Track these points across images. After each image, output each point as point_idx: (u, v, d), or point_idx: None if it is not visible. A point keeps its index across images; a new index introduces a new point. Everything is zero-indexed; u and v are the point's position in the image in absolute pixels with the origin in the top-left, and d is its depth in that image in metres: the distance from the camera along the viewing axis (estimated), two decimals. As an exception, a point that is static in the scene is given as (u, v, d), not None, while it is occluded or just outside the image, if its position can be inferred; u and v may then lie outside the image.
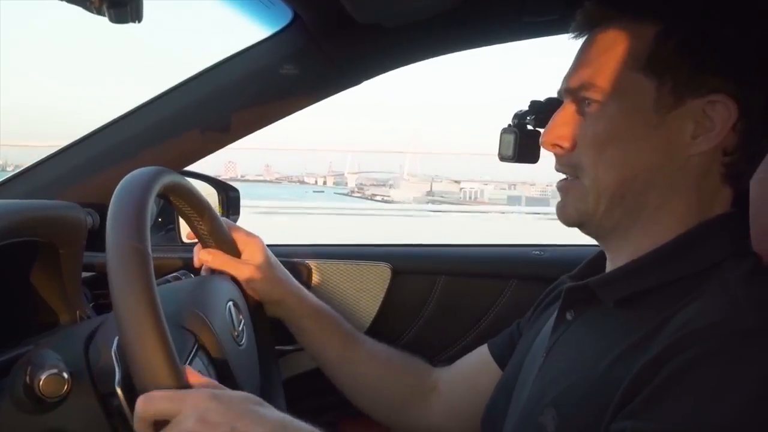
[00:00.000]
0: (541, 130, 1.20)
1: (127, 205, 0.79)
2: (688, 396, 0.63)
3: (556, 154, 0.86)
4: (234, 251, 1.12)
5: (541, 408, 0.78)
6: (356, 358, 1.18)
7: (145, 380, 0.71)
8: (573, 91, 0.83)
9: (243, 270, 1.11)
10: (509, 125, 1.22)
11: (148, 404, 0.70)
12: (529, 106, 1.19)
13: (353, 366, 1.18)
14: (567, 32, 1.32)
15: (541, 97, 1.18)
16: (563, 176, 0.87)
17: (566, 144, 0.83)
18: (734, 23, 0.77)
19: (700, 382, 0.63)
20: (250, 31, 1.31)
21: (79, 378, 0.77)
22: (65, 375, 0.75)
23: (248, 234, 1.15)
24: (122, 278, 0.73)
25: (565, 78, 0.85)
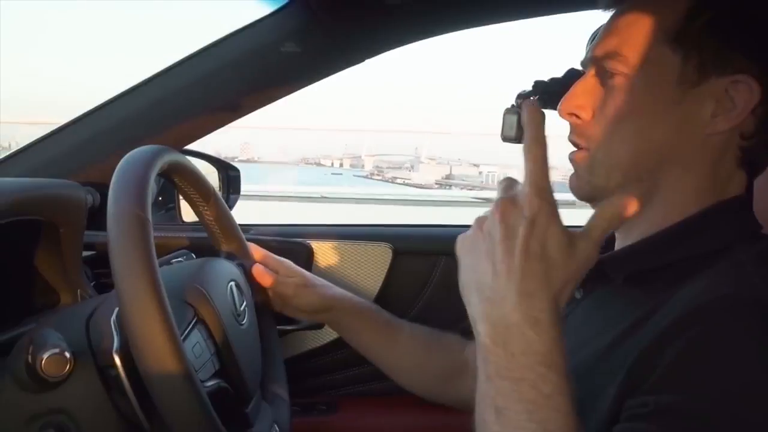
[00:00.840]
0: (545, 111, 1.21)
1: (130, 177, 0.81)
2: (704, 366, 0.62)
3: (572, 124, 0.84)
4: (238, 241, 1.15)
5: None
6: (396, 345, 1.23)
7: (141, 343, 0.72)
8: (597, 59, 0.81)
9: (287, 286, 1.17)
10: (512, 105, 1.21)
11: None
12: (533, 86, 1.18)
13: (394, 353, 1.23)
14: (581, 9, 1.30)
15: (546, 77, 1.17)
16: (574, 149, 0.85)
17: (584, 114, 0.82)
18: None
19: (716, 353, 0.63)
20: (251, 7, 1.32)
21: (82, 357, 0.79)
22: (67, 355, 0.77)
23: (277, 258, 1.21)
24: (122, 243, 0.74)
25: (591, 47, 0.84)
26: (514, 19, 1.34)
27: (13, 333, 0.90)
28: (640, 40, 0.77)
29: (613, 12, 0.83)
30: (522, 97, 1.21)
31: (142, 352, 0.72)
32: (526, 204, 0.63)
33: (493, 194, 0.75)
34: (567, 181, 0.87)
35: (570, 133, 0.85)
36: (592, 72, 0.83)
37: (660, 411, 0.63)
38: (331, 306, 1.20)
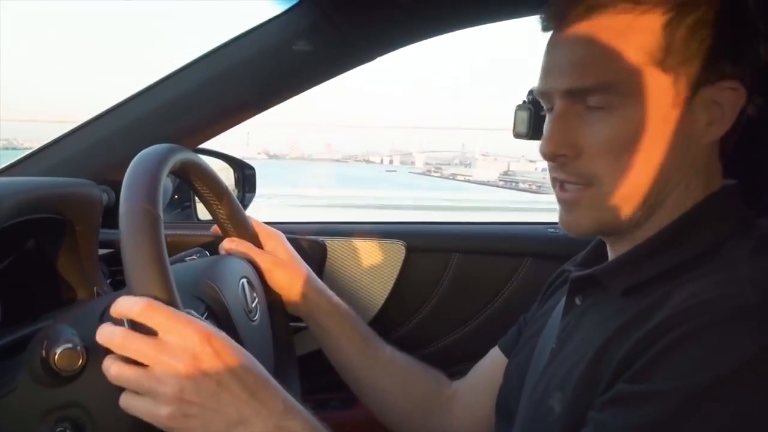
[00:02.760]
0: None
1: (141, 174, 0.83)
2: (679, 367, 0.65)
3: (560, 163, 0.81)
4: (253, 238, 1.17)
5: (550, 392, 0.81)
6: (376, 360, 1.20)
7: None
8: (575, 92, 0.78)
9: (266, 259, 1.16)
10: (524, 101, 1.23)
11: (146, 308, 0.73)
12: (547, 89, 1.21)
13: (373, 369, 1.20)
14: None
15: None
16: (567, 184, 0.82)
17: (572, 152, 0.79)
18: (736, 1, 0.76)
19: (693, 355, 0.64)
20: (263, 6, 1.21)
21: (95, 352, 0.80)
22: (80, 349, 0.79)
23: (269, 229, 1.21)
24: (132, 238, 0.76)
25: (555, 77, 0.80)
26: (529, 15, 1.31)
27: (30, 329, 0.94)
28: (629, 67, 0.75)
29: (572, 33, 0.79)
30: (533, 93, 1.24)
31: None
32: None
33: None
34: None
35: (557, 171, 0.83)
36: (567, 104, 0.80)
37: (613, 399, 0.67)
38: (302, 294, 1.17)
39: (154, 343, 0.74)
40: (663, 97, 0.75)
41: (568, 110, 0.79)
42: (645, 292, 0.76)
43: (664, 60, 0.74)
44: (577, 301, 0.87)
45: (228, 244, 1.15)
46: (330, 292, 1.23)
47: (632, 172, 0.77)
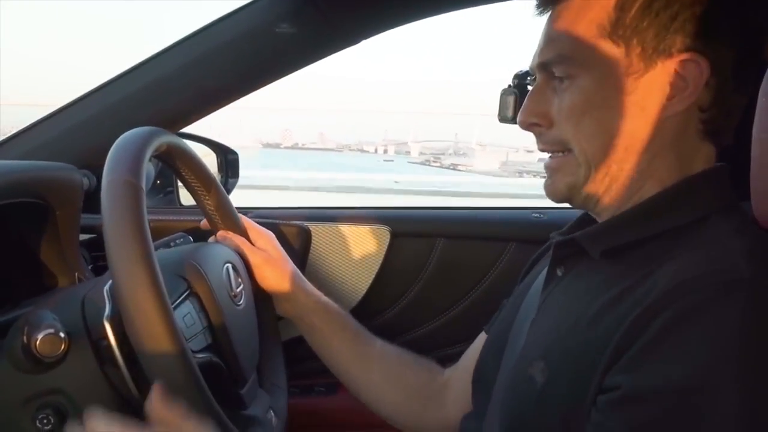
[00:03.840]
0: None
1: (125, 150, 0.84)
2: (679, 349, 0.66)
3: (536, 133, 0.89)
4: (242, 233, 1.19)
5: (531, 360, 0.82)
6: (368, 356, 1.22)
7: (131, 304, 0.74)
8: (544, 65, 0.86)
9: (257, 255, 1.17)
10: (509, 86, 1.25)
11: None
12: (530, 67, 1.22)
13: (365, 364, 1.22)
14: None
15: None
16: (549, 153, 0.89)
17: (544, 121, 0.87)
18: None
19: (691, 335, 0.65)
20: None
21: (77, 338, 0.82)
22: (62, 335, 0.80)
23: (260, 228, 1.23)
24: (113, 208, 0.77)
25: (535, 54, 0.88)
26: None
27: (10, 315, 0.94)
28: (579, 40, 0.82)
29: (548, 15, 0.87)
30: (518, 77, 1.25)
31: (130, 311, 0.74)
32: None
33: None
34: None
35: (537, 142, 0.90)
36: (541, 79, 0.87)
37: (616, 401, 0.68)
38: (291, 293, 1.20)
39: None
40: (615, 66, 0.80)
41: (544, 84, 0.87)
42: (626, 258, 0.80)
43: (615, 32, 0.79)
44: (559, 273, 0.90)
45: (222, 234, 1.16)
46: (317, 292, 1.25)
47: (592, 137, 0.83)
